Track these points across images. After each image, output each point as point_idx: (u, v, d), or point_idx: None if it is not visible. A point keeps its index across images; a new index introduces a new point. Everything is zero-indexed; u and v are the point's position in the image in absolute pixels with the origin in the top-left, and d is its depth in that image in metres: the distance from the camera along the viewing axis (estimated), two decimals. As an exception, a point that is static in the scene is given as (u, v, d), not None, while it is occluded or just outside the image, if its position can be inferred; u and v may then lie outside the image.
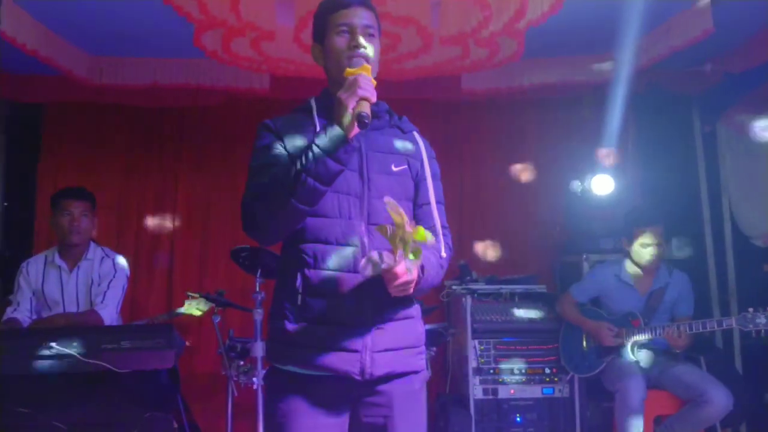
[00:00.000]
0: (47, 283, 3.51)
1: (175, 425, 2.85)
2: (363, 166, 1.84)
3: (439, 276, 1.87)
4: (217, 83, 4.50)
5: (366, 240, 1.79)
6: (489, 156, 5.03)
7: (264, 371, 3.66)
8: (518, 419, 4.08)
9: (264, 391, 1.93)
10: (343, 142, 1.66)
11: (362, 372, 1.76)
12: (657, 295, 3.79)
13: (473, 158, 5.04)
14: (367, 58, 1.80)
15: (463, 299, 4.22)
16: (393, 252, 1.62)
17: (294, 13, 3.14)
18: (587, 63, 4.43)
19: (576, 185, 4.48)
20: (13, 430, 2.62)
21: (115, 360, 2.72)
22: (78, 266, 3.53)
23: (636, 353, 3.73)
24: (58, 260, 3.52)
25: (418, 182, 1.93)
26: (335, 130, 1.67)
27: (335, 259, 1.78)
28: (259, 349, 3.67)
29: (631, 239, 3.85)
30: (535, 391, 4.09)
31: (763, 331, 3.34)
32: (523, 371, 4.10)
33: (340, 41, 1.84)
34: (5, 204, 5.02)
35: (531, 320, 4.19)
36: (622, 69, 3.90)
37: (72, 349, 2.71)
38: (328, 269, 1.77)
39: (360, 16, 1.85)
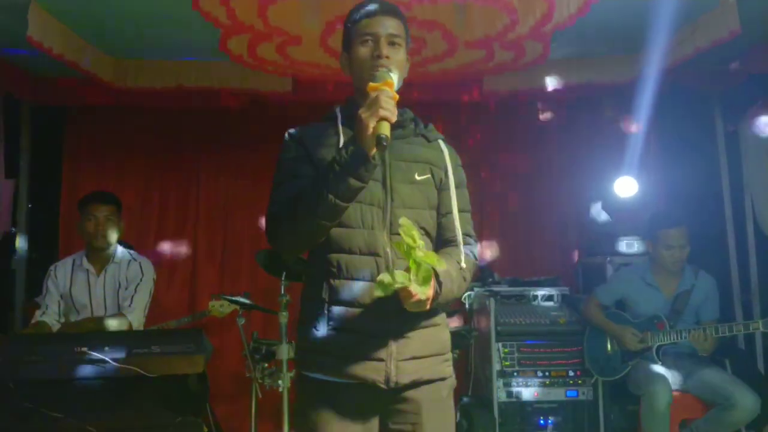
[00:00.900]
0: (75, 286, 3.54)
1: (206, 430, 2.87)
2: (386, 176, 1.84)
3: (461, 288, 1.86)
4: (241, 86, 4.52)
5: (389, 250, 1.80)
6: (510, 157, 5.02)
7: (290, 374, 3.70)
8: (542, 422, 4.08)
9: (294, 397, 1.93)
10: (364, 160, 1.66)
11: (387, 380, 1.77)
12: (683, 297, 3.77)
13: (495, 160, 5.02)
14: (390, 68, 1.79)
15: (487, 302, 4.22)
16: (409, 270, 1.63)
17: (320, 17, 3.14)
18: (610, 64, 4.41)
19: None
20: (46, 434, 2.65)
21: (146, 364, 2.74)
22: (105, 270, 3.56)
23: (661, 357, 3.72)
24: (85, 264, 3.55)
25: (442, 191, 1.93)
26: (356, 149, 1.66)
27: (359, 269, 1.79)
28: (284, 351, 3.69)
29: (655, 241, 3.84)
30: (559, 394, 4.08)
31: (791, 334, 3.32)
32: (547, 374, 4.09)
33: (364, 51, 1.85)
34: (29, 206, 5.06)
35: (554, 323, 4.18)
36: (648, 70, 3.86)
37: (104, 354, 2.73)
38: (352, 279, 1.79)
39: (384, 25, 1.85)
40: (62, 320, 3.56)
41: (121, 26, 3.98)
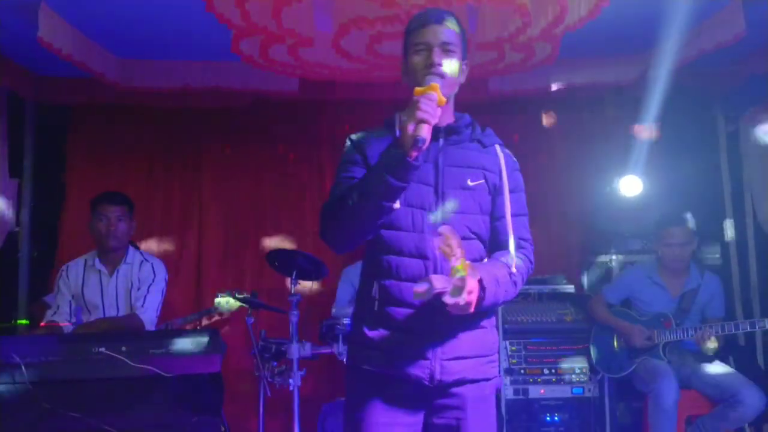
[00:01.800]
0: (87, 286, 3.55)
1: (223, 429, 2.89)
2: (438, 182, 1.90)
3: (509, 292, 1.90)
4: (247, 85, 4.53)
5: (438, 253, 1.84)
6: (515, 156, 5.01)
7: (301, 373, 3.73)
8: (548, 419, 4.12)
9: (345, 388, 2.00)
10: (403, 162, 1.71)
11: (431, 378, 1.85)
12: (689, 296, 3.83)
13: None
14: (443, 76, 1.84)
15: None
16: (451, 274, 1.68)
17: (333, 19, 3.16)
18: (614, 64, 4.45)
19: (600, 188, 4.51)
20: (65, 434, 2.66)
21: (163, 364, 2.75)
22: (117, 270, 3.57)
23: (668, 354, 3.77)
24: (98, 264, 3.56)
25: (496, 196, 1.97)
26: (396, 151, 1.72)
27: (408, 270, 1.87)
28: (295, 350, 3.71)
29: (658, 239, 3.90)
30: (565, 391, 4.12)
31: (798, 332, 3.37)
32: (554, 371, 4.13)
33: (417, 59, 1.91)
34: (33, 205, 5.06)
35: (560, 321, 4.22)
36: (653, 72, 3.90)
37: (121, 354, 2.75)
38: (402, 279, 1.88)
39: (437, 35, 1.89)
40: (73, 320, 3.56)
41: (128, 27, 3.99)
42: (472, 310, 1.74)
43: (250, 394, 4.51)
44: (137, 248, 3.81)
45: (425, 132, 1.68)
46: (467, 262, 1.68)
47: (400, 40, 2.06)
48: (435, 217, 1.89)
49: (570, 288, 4.46)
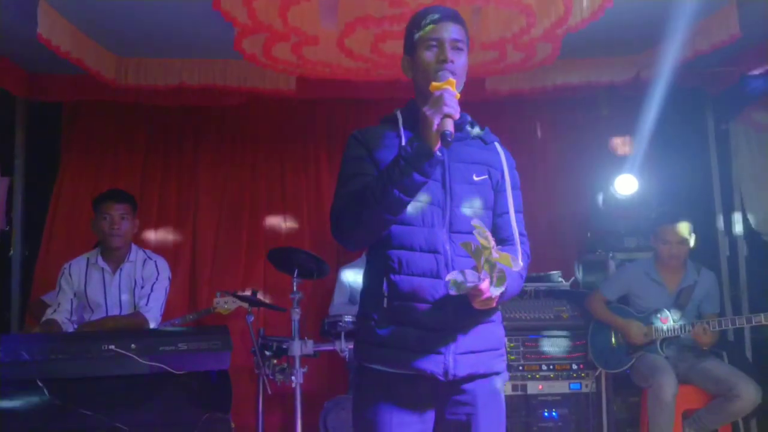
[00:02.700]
0: (90, 285, 3.54)
1: (233, 425, 2.90)
2: (445, 177, 1.91)
3: (519, 286, 1.94)
4: (244, 84, 4.52)
5: (448, 247, 1.87)
6: (513, 155, 5.04)
7: (303, 370, 3.74)
8: (546, 414, 4.17)
9: (353, 389, 1.99)
10: (429, 155, 1.72)
11: (446, 373, 1.84)
12: (686, 292, 3.89)
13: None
14: (454, 72, 1.86)
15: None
16: (476, 269, 1.70)
17: (337, 18, 3.18)
18: (610, 65, 4.52)
19: (596, 186, 4.58)
20: (77, 431, 2.66)
21: (173, 361, 2.78)
22: (121, 268, 3.56)
23: (665, 349, 3.83)
24: (101, 262, 3.55)
25: (498, 192, 2.00)
26: (421, 145, 1.73)
27: (419, 265, 1.86)
28: (297, 348, 3.72)
29: (655, 237, 3.97)
30: (563, 387, 4.16)
31: (792, 327, 3.45)
32: (551, 367, 4.18)
33: (429, 55, 1.90)
34: (24, 203, 5.00)
35: (557, 317, 4.27)
36: (651, 71, 3.97)
37: (131, 352, 2.75)
38: (413, 275, 1.86)
39: (449, 31, 1.91)
40: (74, 318, 3.55)
41: (125, 25, 3.98)
42: (495, 303, 1.77)
43: (250, 392, 4.51)
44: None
45: (451, 126, 1.69)
46: (504, 253, 1.70)
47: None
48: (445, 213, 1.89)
49: (567, 285, 4.51)
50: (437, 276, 1.85)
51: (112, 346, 2.75)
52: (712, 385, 3.73)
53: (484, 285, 1.68)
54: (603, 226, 4.75)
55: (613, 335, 4.03)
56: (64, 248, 4.71)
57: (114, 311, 3.51)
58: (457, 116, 1.72)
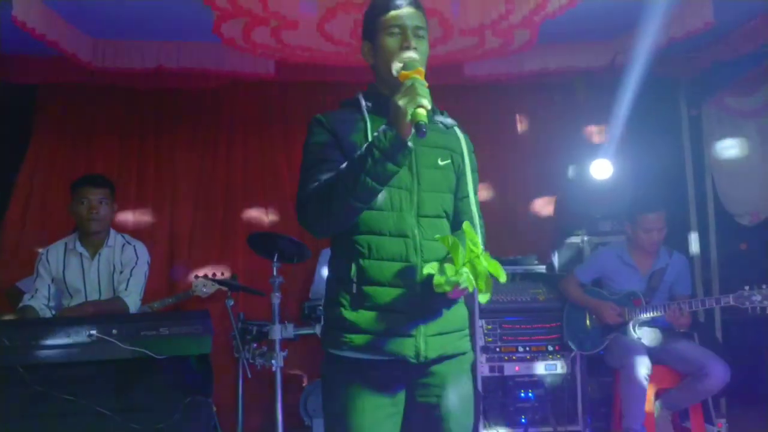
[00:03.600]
0: (68, 270, 3.52)
1: (215, 408, 2.93)
2: (413, 162, 1.94)
3: None
4: (222, 67, 4.51)
5: (416, 231, 1.90)
6: (488, 138, 5.08)
7: (283, 354, 3.77)
8: (522, 395, 4.25)
9: (322, 377, 2.00)
10: (402, 145, 1.73)
11: (417, 355, 1.87)
12: (658, 275, 3.98)
13: (474, 141, 5.11)
14: (417, 59, 1.87)
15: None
16: (454, 263, 1.74)
17: (319, 2, 3.18)
18: (586, 50, 4.58)
19: (572, 171, 4.65)
20: (59, 416, 2.68)
21: (155, 346, 2.79)
22: (99, 254, 3.54)
23: (638, 331, 3.93)
24: (79, 247, 3.53)
25: (459, 176, 2.03)
26: (394, 135, 1.73)
27: (388, 250, 1.88)
28: (277, 331, 3.74)
29: (634, 224, 4.03)
30: (539, 368, 4.25)
31: (758, 308, 3.54)
32: (528, 349, 4.26)
33: (392, 42, 1.92)
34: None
35: (534, 300, 4.35)
36: (626, 57, 4.03)
37: (113, 337, 2.76)
38: (382, 259, 1.88)
39: (411, 17, 1.92)
40: (52, 304, 3.53)
41: (102, 6, 3.92)
42: (471, 289, 1.80)
43: (230, 376, 4.54)
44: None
45: (425, 117, 1.70)
46: (494, 261, 1.74)
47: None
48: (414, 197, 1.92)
49: (542, 268, 4.60)
50: (407, 260, 1.88)
51: (93, 332, 2.76)
52: (683, 365, 3.84)
53: (463, 281, 1.72)
54: (579, 210, 4.83)
55: (587, 317, 4.11)
56: (36, 234, 4.67)
57: (93, 296, 3.50)
58: (429, 106, 1.72)
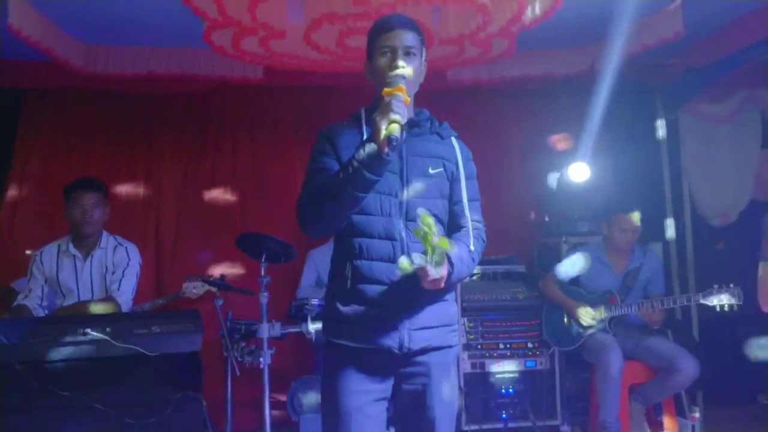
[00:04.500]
0: (62, 271, 3.63)
1: (205, 404, 3.05)
2: (403, 170, 2.11)
3: (470, 268, 2.15)
4: (212, 72, 4.61)
5: (404, 235, 2.08)
6: (472, 142, 5.18)
7: (271, 351, 3.89)
8: (503, 391, 4.40)
9: (323, 361, 2.21)
10: (378, 157, 1.90)
11: (401, 346, 2.06)
12: (632, 274, 4.14)
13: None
14: (404, 77, 2.01)
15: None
16: (426, 253, 1.89)
17: (305, 13, 3.31)
18: (565, 57, 4.72)
19: (552, 178, 4.80)
20: (56, 411, 2.79)
21: (147, 344, 2.90)
22: (92, 255, 3.66)
23: (613, 328, 4.08)
24: (72, 249, 3.64)
25: (453, 183, 2.20)
26: (371, 147, 1.90)
27: (378, 251, 2.07)
28: (265, 330, 3.86)
29: (610, 224, 4.19)
30: (519, 365, 4.41)
31: (726, 305, 3.70)
32: (508, 346, 4.41)
33: (383, 62, 2.09)
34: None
35: (514, 298, 4.50)
36: (602, 64, 4.18)
37: (106, 335, 2.87)
38: (372, 259, 2.07)
39: (401, 39, 2.08)
40: (45, 304, 3.64)
41: (94, 13, 4.02)
42: (443, 285, 1.97)
43: (219, 373, 4.63)
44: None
45: (397, 131, 1.87)
46: (445, 237, 1.90)
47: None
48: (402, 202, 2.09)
49: (522, 268, 4.74)
50: (394, 261, 2.04)
51: (88, 330, 2.87)
52: (655, 360, 3.99)
53: (429, 268, 1.88)
54: (559, 211, 4.98)
55: (565, 315, 4.26)
56: (28, 236, 4.74)
57: (86, 296, 3.62)
58: (403, 121, 1.89)
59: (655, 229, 5.15)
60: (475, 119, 5.29)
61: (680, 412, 4.19)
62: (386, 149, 1.87)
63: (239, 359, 4.04)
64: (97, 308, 3.50)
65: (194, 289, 4.65)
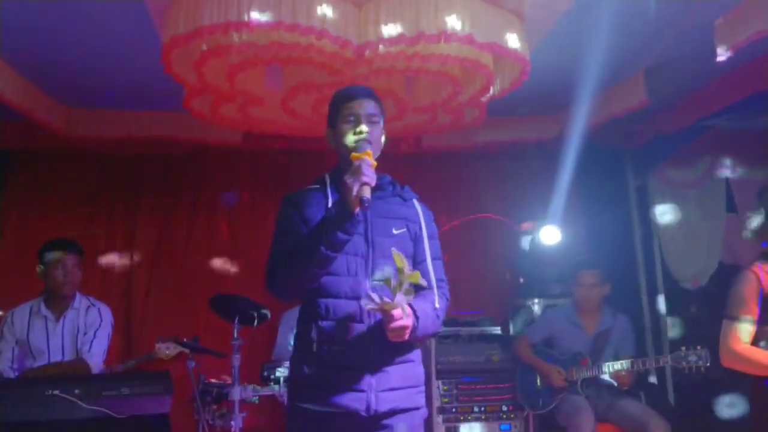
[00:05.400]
0: (33, 332, 3.61)
1: (174, 467, 3.01)
2: (368, 231, 2.17)
3: (435, 325, 2.18)
4: (191, 135, 4.72)
5: (371, 293, 2.07)
6: (446, 204, 5.30)
7: (242, 414, 3.85)
8: (478, 455, 4.37)
9: (288, 428, 2.18)
10: (350, 217, 1.99)
11: (368, 409, 2.05)
12: (603, 336, 4.19)
13: (431, 207, 5.33)
14: (370, 142, 2.13)
15: (428, 341, 4.51)
16: (393, 299, 1.94)
17: (282, 80, 3.43)
18: (535, 123, 4.90)
19: (525, 240, 4.90)
20: (20, 476, 2.74)
21: (116, 406, 2.89)
22: (64, 316, 3.65)
23: (585, 390, 4.10)
24: (44, 310, 3.63)
25: (417, 243, 2.26)
26: (343, 208, 1.99)
27: (343, 310, 2.10)
28: (237, 392, 3.84)
29: (572, 282, 4.28)
30: (494, 428, 4.37)
31: (694, 367, 3.75)
32: (483, 409, 4.39)
33: (347, 128, 2.19)
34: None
35: (488, 360, 4.51)
36: (569, 131, 4.33)
37: (74, 396, 2.85)
38: (337, 319, 2.09)
39: (364, 107, 2.19)
40: (15, 366, 3.61)
41: (75, 77, 4.12)
42: (407, 336, 2.00)
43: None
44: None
45: (368, 192, 1.97)
46: (415, 272, 1.95)
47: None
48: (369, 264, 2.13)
49: (497, 330, 4.77)
50: (360, 320, 2.08)
51: (56, 392, 2.85)
52: (627, 422, 4.00)
53: (397, 311, 1.93)
54: (532, 273, 5.05)
55: (538, 378, 4.28)
56: (4, 297, 4.72)
57: (56, 357, 3.59)
58: (372, 183, 1.99)
59: (627, 293, 5.22)
60: (450, 182, 5.41)
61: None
62: (358, 209, 1.96)
63: (210, 422, 4.00)
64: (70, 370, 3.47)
65: (167, 350, 4.59)
